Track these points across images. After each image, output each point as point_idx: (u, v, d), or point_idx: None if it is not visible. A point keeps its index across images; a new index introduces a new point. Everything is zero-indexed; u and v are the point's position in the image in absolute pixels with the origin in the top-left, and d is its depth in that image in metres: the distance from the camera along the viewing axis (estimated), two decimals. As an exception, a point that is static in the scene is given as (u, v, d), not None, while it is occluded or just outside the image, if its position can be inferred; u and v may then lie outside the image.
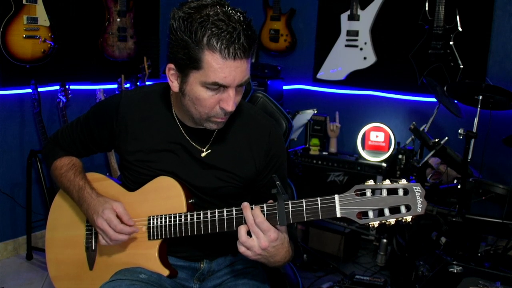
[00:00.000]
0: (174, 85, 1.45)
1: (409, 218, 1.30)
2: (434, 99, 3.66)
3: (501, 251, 2.87)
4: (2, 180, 3.40)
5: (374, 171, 3.71)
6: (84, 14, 3.65)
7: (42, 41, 3.25)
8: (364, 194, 1.32)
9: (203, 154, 1.55)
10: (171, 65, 1.42)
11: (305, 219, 1.36)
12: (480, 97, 2.80)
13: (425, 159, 3.05)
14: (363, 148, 3.90)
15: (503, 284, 2.00)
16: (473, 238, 2.86)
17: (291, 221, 1.36)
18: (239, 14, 1.36)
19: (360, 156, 3.84)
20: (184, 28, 1.33)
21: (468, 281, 2.05)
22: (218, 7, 1.35)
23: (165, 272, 1.55)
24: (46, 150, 1.80)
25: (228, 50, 1.32)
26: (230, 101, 1.39)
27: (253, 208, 1.37)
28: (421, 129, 3.11)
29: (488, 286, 1.99)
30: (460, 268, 2.26)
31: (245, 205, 1.38)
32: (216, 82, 1.36)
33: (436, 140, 3.00)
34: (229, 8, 1.36)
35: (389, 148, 3.81)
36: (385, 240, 3.41)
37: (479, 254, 2.88)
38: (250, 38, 1.34)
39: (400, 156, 3.55)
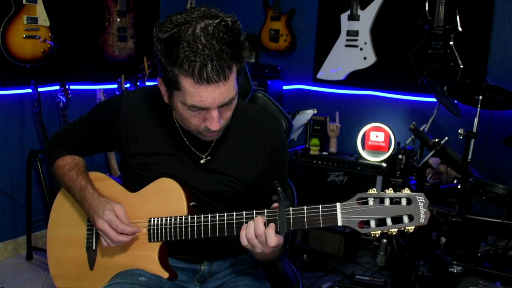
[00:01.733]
0: (165, 98, 1.42)
1: (411, 229, 1.27)
2: (434, 99, 3.66)
3: (501, 251, 2.87)
4: (2, 180, 3.40)
5: (374, 171, 3.71)
6: (84, 14, 3.65)
7: (42, 41, 3.24)
8: (367, 202, 1.30)
9: (202, 161, 1.53)
10: (160, 80, 1.39)
11: (306, 227, 1.34)
12: (480, 97, 2.80)
13: (425, 159, 3.05)
14: (363, 148, 3.90)
15: (503, 284, 2.01)
16: (473, 238, 2.86)
17: (291, 228, 1.35)
18: (223, 28, 1.26)
19: (360, 156, 3.84)
20: (160, 49, 1.28)
21: (468, 281, 2.05)
22: (205, 21, 1.25)
23: (165, 274, 1.54)
24: (49, 149, 1.79)
25: (200, 74, 1.24)
26: (213, 122, 1.34)
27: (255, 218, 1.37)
28: (421, 129, 3.11)
29: (488, 286, 1.99)
30: (460, 268, 2.26)
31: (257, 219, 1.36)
32: (194, 105, 1.30)
33: (436, 140, 3.00)
34: (217, 21, 1.26)
35: (389, 148, 3.81)
36: (385, 240, 3.41)
37: (479, 254, 2.88)
38: (227, 60, 1.25)
39: (400, 156, 3.55)
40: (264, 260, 1.50)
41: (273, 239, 1.33)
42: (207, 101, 1.29)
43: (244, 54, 1.34)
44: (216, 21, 1.27)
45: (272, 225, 1.35)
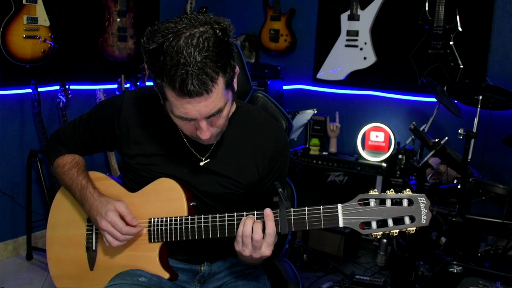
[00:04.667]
0: (162, 102, 1.40)
1: (412, 229, 1.28)
2: (434, 99, 3.66)
3: (501, 251, 2.87)
4: (2, 180, 3.40)
5: (374, 171, 3.71)
6: (84, 14, 3.65)
7: (42, 41, 3.24)
8: (368, 203, 1.30)
9: (201, 164, 1.53)
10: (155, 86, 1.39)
11: (307, 228, 1.34)
12: (480, 97, 2.80)
13: (425, 159, 3.05)
14: (363, 148, 3.90)
15: (503, 284, 2.01)
16: (473, 238, 2.86)
17: (292, 229, 1.35)
18: (209, 37, 1.22)
19: (360, 156, 3.84)
20: (147, 60, 1.29)
21: (468, 281, 2.05)
22: (191, 30, 1.22)
23: (166, 275, 1.54)
24: (48, 148, 1.78)
25: (181, 88, 1.22)
26: (202, 132, 1.34)
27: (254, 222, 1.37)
28: (421, 129, 3.11)
29: (488, 286, 1.99)
30: (460, 268, 2.26)
31: (249, 217, 1.38)
32: (180, 116, 1.30)
33: (436, 140, 3.00)
34: (203, 29, 1.23)
35: (389, 148, 3.81)
36: (385, 240, 3.42)
37: (479, 254, 2.88)
38: (210, 73, 1.22)
39: (400, 156, 3.55)
40: (247, 263, 1.52)
41: (259, 234, 1.34)
42: (192, 113, 1.28)
43: (234, 63, 1.31)
44: (202, 29, 1.24)
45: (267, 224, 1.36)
